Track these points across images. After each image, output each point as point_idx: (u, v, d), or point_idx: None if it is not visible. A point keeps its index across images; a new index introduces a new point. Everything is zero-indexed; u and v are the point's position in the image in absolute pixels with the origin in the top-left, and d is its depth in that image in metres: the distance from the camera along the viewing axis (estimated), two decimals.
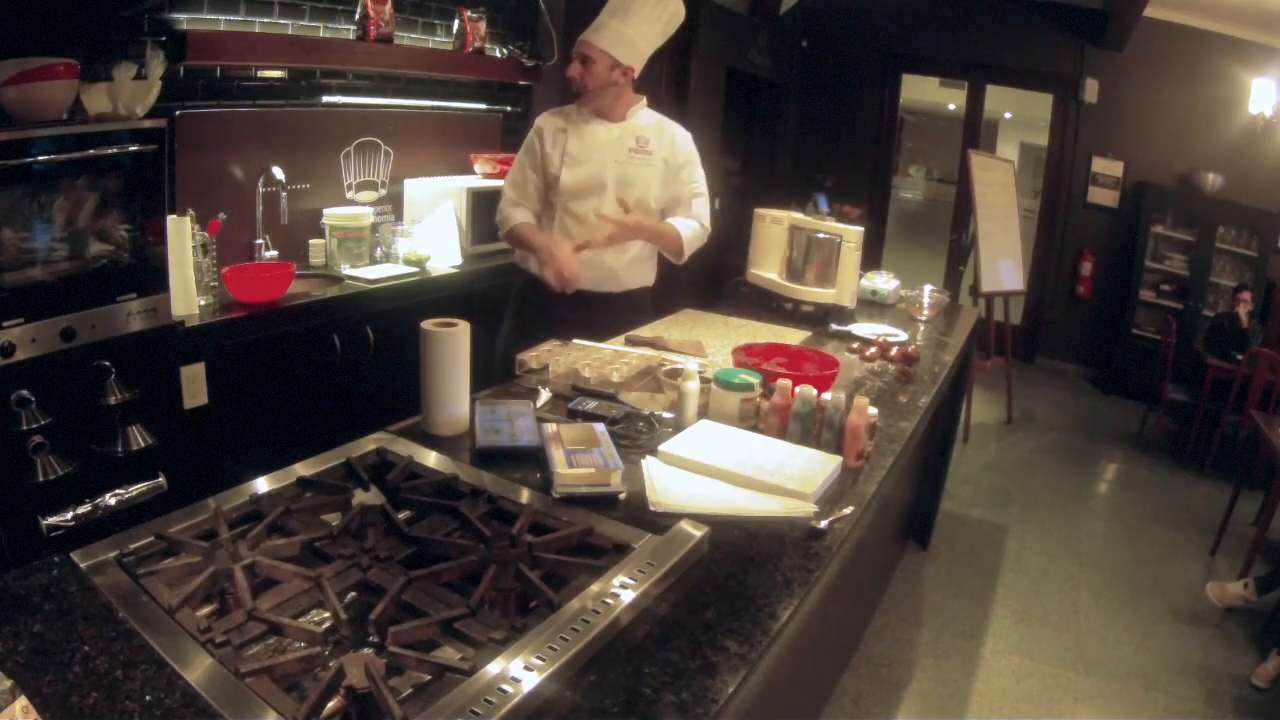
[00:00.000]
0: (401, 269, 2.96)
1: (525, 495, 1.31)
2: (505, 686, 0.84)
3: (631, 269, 2.39)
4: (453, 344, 1.51)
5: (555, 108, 2.37)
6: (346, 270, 2.87)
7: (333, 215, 2.94)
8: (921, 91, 7.28)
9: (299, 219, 2.87)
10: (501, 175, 3.31)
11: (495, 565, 1.06)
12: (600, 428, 1.50)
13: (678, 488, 1.38)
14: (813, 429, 1.60)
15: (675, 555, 1.12)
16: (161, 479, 2.02)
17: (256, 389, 2.32)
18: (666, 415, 1.70)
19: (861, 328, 2.61)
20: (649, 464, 1.46)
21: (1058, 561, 3.37)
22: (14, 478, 1.74)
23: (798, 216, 2.84)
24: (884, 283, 3.10)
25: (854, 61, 6.61)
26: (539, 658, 0.89)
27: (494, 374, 2.10)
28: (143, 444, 1.98)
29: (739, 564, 1.18)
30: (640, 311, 2.44)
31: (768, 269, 2.90)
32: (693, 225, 2.37)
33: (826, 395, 1.59)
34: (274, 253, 2.76)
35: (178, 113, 2.42)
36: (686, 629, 1.01)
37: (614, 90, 2.25)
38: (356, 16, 2.90)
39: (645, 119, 2.34)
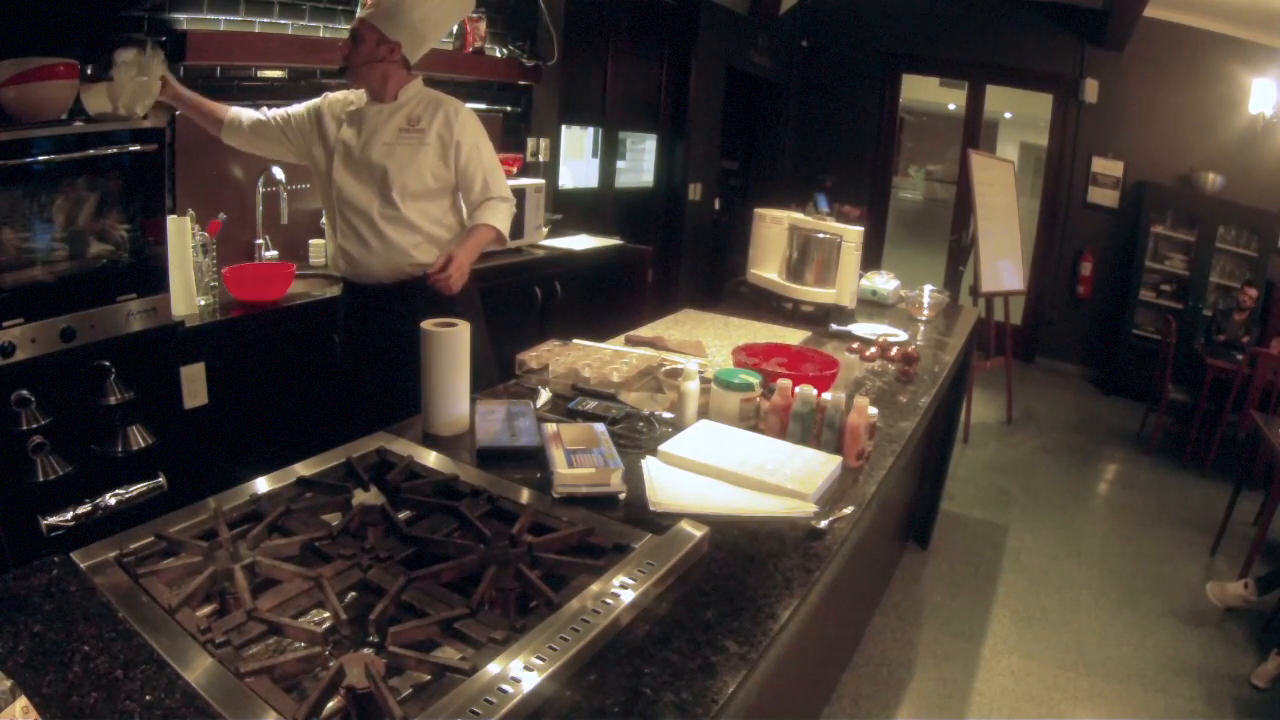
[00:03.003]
0: None
1: (525, 495, 1.31)
2: (505, 686, 0.84)
3: (420, 249, 2.23)
4: (453, 344, 1.51)
5: (339, 94, 2.26)
6: None
7: None
8: (921, 91, 7.27)
9: (299, 219, 2.87)
10: None
11: (495, 565, 1.06)
12: (600, 428, 1.50)
13: (678, 488, 1.38)
14: (813, 429, 1.60)
15: (675, 555, 1.12)
16: (161, 479, 2.02)
17: (256, 389, 2.32)
18: (666, 415, 1.70)
19: (861, 328, 2.61)
20: (649, 464, 1.46)
21: (1058, 561, 3.37)
22: (14, 478, 1.73)
23: (798, 216, 2.85)
24: (884, 283, 3.10)
25: (854, 61, 6.61)
26: (539, 658, 0.89)
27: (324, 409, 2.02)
28: (143, 444, 1.98)
29: (739, 564, 1.18)
30: (458, 295, 2.26)
31: (768, 269, 2.90)
32: (496, 206, 2.24)
33: (826, 395, 1.59)
34: (274, 253, 2.76)
35: (178, 112, 2.42)
36: (686, 629, 1.01)
37: (381, 68, 2.14)
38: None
39: (417, 97, 2.21)
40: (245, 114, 2.27)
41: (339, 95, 2.26)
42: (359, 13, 2.13)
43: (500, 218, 2.26)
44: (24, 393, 1.73)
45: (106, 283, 1.88)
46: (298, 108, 2.29)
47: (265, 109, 2.29)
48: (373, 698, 0.79)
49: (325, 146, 2.23)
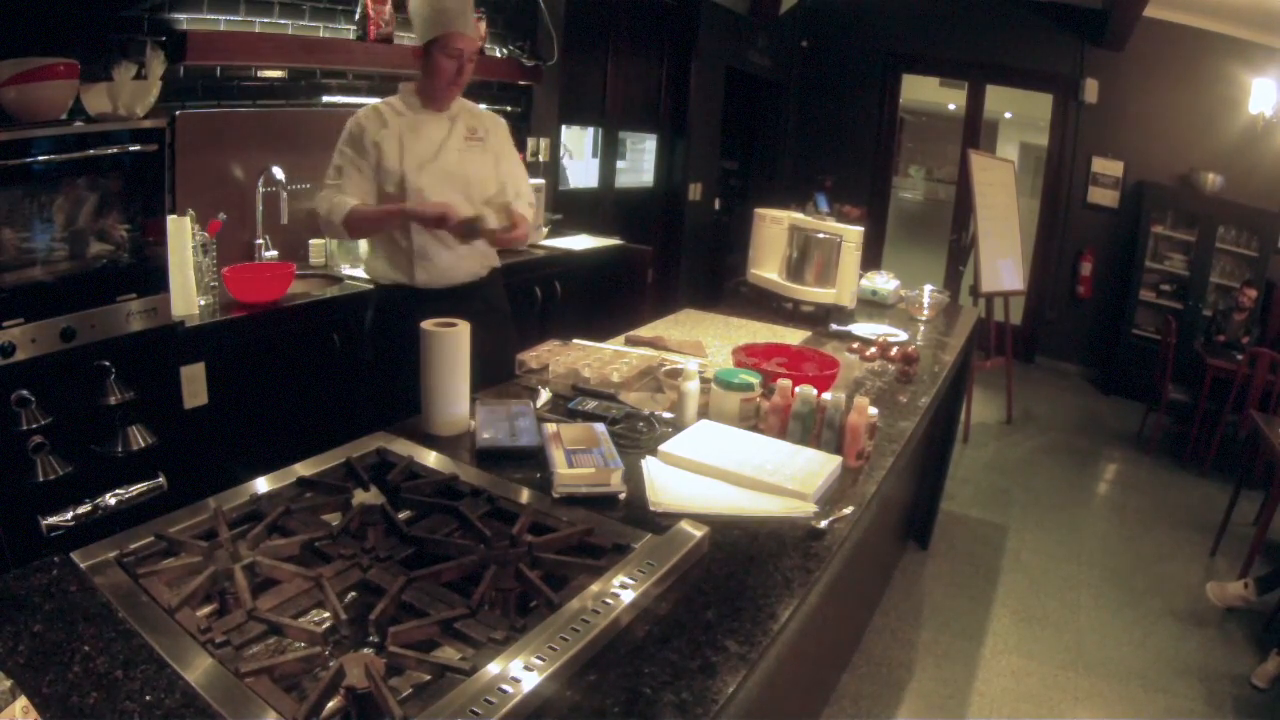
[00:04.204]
0: None
1: (525, 495, 1.31)
2: (505, 686, 0.84)
3: (490, 251, 2.32)
4: (453, 344, 1.51)
5: (370, 106, 2.21)
6: (346, 270, 2.87)
7: None
8: (921, 91, 7.27)
9: (299, 219, 2.87)
10: None
11: (495, 565, 1.06)
12: (600, 428, 1.50)
13: (678, 488, 1.38)
14: (813, 429, 1.60)
15: (675, 555, 1.12)
16: (161, 479, 2.02)
17: (256, 389, 2.32)
18: (666, 415, 1.70)
19: (861, 328, 2.61)
20: (649, 464, 1.46)
21: (1058, 561, 3.37)
22: (14, 478, 1.73)
23: (798, 216, 2.84)
24: (884, 283, 3.10)
25: (854, 61, 6.61)
26: (539, 658, 0.89)
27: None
28: (143, 444, 1.98)
29: (739, 564, 1.18)
30: (498, 294, 2.37)
31: (768, 269, 2.90)
32: (527, 210, 2.30)
33: (826, 395, 1.59)
34: (274, 253, 2.76)
35: (178, 113, 2.42)
36: (686, 629, 1.01)
37: None
38: (356, 16, 2.90)
39: (469, 106, 2.26)
40: (350, 200, 2.14)
41: (369, 112, 2.18)
42: (455, 29, 2.09)
43: (530, 222, 2.31)
44: (24, 393, 1.73)
45: (106, 283, 1.88)
46: (354, 156, 2.16)
47: (343, 188, 2.16)
48: (373, 698, 0.79)
49: (385, 157, 2.15)
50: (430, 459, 1.42)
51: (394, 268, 2.22)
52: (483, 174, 2.25)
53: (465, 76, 2.15)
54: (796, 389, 1.63)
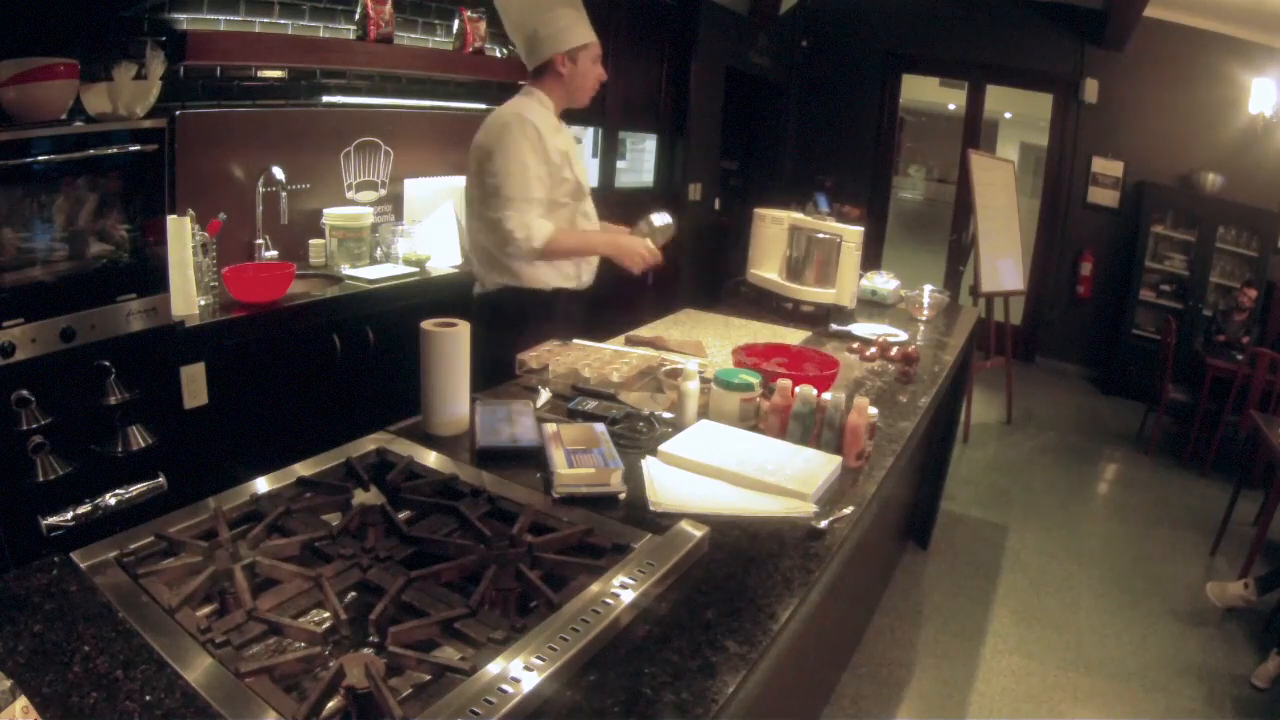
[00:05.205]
0: (401, 269, 2.96)
1: (525, 495, 1.31)
2: (505, 686, 0.84)
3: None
4: (453, 344, 1.51)
5: (521, 106, 2.15)
6: (346, 270, 2.87)
7: (333, 215, 2.94)
8: (921, 91, 7.28)
9: (299, 219, 2.87)
10: None
11: (495, 565, 1.06)
12: (600, 428, 1.49)
13: (678, 488, 1.38)
14: (813, 429, 1.60)
15: (675, 555, 1.12)
16: (161, 479, 2.02)
17: (256, 389, 2.32)
18: (666, 415, 1.70)
19: (861, 328, 2.61)
20: (649, 464, 1.46)
21: (1058, 561, 3.37)
22: (14, 478, 1.74)
23: (798, 216, 2.84)
24: (884, 283, 3.10)
25: (854, 61, 6.61)
26: (539, 658, 0.89)
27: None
28: (143, 444, 1.98)
29: (739, 564, 1.18)
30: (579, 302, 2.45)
31: (768, 269, 2.90)
32: None
33: (826, 395, 1.59)
34: (274, 253, 2.76)
35: (178, 113, 2.42)
36: (686, 629, 1.01)
37: None
38: (356, 16, 2.90)
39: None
40: (549, 226, 2.11)
41: (534, 113, 2.14)
42: (593, 39, 2.16)
43: None
44: (24, 393, 1.73)
45: (106, 283, 1.89)
46: (536, 165, 2.08)
47: (540, 208, 2.11)
48: (373, 698, 0.79)
49: (563, 168, 2.15)
50: (430, 459, 1.41)
51: (558, 271, 2.26)
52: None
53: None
54: (796, 389, 1.63)
